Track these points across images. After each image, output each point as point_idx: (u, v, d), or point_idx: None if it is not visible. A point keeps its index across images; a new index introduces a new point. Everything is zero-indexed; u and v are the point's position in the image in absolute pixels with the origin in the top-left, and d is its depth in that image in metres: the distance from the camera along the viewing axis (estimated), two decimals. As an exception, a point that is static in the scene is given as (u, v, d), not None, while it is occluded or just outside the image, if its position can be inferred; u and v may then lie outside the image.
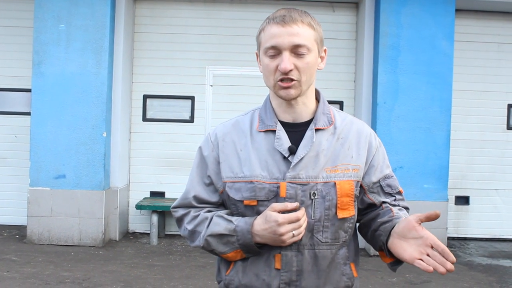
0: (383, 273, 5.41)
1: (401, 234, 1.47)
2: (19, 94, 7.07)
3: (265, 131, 1.60)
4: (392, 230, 1.52)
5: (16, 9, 7.01)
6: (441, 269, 1.35)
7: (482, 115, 7.18)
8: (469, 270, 5.75)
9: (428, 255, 1.39)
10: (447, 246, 6.12)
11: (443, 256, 1.36)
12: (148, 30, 7.05)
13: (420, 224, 1.42)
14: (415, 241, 1.43)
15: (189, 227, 1.64)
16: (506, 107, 7.21)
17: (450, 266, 1.35)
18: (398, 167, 6.20)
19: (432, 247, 1.39)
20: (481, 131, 7.19)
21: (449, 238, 6.93)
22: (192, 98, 7.06)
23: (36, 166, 6.24)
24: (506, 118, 7.22)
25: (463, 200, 7.22)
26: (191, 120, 7.07)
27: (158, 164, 7.07)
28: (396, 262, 1.56)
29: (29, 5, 6.68)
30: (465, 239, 7.21)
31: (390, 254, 1.54)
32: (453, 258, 1.35)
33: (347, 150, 1.60)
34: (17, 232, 6.75)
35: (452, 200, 7.11)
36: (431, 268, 1.37)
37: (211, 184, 1.64)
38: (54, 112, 6.23)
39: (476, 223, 7.23)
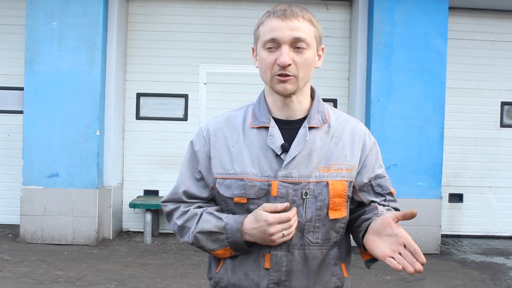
0: (377, 270, 5.42)
1: (376, 231, 1.44)
2: (11, 92, 7.03)
3: (258, 128, 1.58)
4: (369, 226, 1.50)
5: (8, 6, 6.96)
6: (410, 269, 1.33)
7: (475, 112, 7.20)
8: (463, 267, 5.77)
9: (400, 253, 1.36)
10: (441, 244, 6.07)
11: (414, 256, 1.33)
12: (141, 28, 7.01)
13: (396, 222, 1.40)
14: (389, 238, 1.40)
15: (179, 222, 1.63)
16: (499, 104, 7.23)
17: (419, 266, 1.32)
18: (392, 165, 6.21)
19: (405, 246, 1.36)
20: (475, 129, 7.22)
21: (443, 236, 6.94)
22: (185, 96, 7.04)
23: (29, 164, 6.20)
24: (499, 115, 7.24)
25: (456, 198, 7.25)
26: (185, 118, 7.05)
27: (152, 163, 7.05)
28: (372, 259, 1.54)
29: (21, 3, 6.63)
30: (458, 236, 7.23)
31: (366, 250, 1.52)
32: (423, 259, 1.33)
33: (341, 149, 1.57)
34: (10, 231, 6.72)
35: (445, 197, 7.13)
36: (400, 267, 1.34)
37: (201, 179, 1.62)
38: (47, 111, 6.20)
39: (469, 220, 7.25)
